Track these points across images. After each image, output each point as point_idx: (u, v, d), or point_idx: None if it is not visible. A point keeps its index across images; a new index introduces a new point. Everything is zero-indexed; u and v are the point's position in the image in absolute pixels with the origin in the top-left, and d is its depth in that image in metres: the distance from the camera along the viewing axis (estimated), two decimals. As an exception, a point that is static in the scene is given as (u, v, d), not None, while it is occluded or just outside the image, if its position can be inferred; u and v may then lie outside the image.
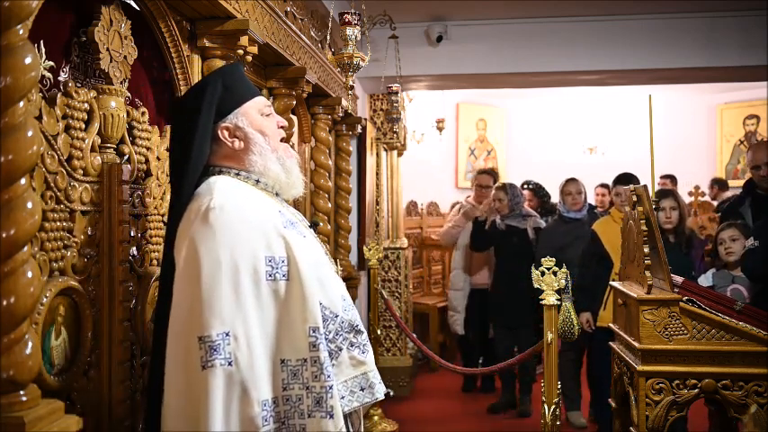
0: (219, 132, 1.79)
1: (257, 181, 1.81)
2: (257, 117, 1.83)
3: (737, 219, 3.79)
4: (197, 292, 1.58)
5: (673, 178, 7.31)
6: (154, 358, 1.77)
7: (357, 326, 1.76)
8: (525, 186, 6.18)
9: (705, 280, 3.51)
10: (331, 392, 1.63)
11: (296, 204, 3.65)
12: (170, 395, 1.61)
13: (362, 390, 1.75)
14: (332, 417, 1.63)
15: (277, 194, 1.86)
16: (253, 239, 1.64)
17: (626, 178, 4.42)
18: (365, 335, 1.79)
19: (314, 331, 1.64)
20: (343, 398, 1.70)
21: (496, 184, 5.31)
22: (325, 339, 1.68)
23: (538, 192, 6.09)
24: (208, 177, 1.78)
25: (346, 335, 1.74)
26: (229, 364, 1.54)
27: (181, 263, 1.65)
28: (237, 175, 1.80)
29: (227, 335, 1.55)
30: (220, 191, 1.70)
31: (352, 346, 1.75)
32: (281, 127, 1.91)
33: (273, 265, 1.65)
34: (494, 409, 5.06)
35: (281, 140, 1.89)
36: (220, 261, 1.59)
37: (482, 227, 5.14)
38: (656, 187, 3.33)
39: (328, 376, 1.63)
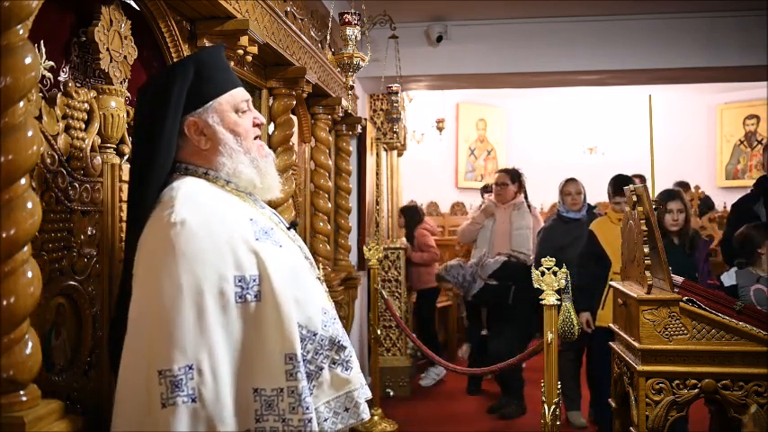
0: (186, 128, 1.63)
1: (227, 182, 1.65)
2: (230, 114, 1.65)
3: (749, 216, 3.77)
4: (156, 322, 1.43)
5: (642, 178, 7.31)
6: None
7: (339, 341, 1.63)
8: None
9: (728, 278, 3.47)
10: (310, 425, 1.50)
11: (296, 206, 3.66)
12: None
13: (347, 410, 1.64)
14: None
15: (250, 194, 1.70)
16: (220, 258, 1.48)
17: (623, 180, 4.40)
18: (349, 350, 1.66)
19: (290, 359, 1.50)
20: (326, 420, 1.60)
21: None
22: (304, 361, 1.54)
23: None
24: (174, 176, 1.63)
25: (327, 352, 1.61)
26: (193, 400, 1.40)
27: (138, 286, 1.49)
28: (206, 174, 1.64)
29: (189, 368, 1.40)
30: (183, 201, 1.52)
31: (334, 363, 1.63)
32: (258, 125, 1.73)
33: (244, 286, 1.49)
34: (494, 409, 5.05)
35: (255, 138, 1.72)
36: (182, 286, 1.43)
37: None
38: (656, 188, 3.31)
39: (307, 408, 1.49)
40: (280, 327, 1.50)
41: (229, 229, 1.53)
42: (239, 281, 1.49)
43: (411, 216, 6.29)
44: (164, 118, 1.59)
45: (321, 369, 1.60)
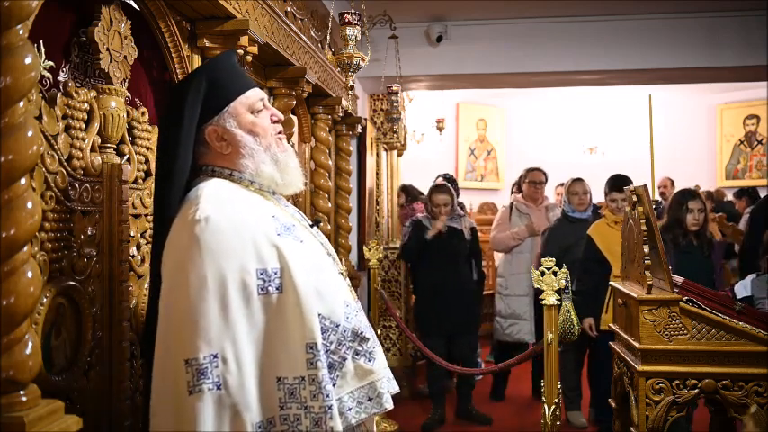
0: (207, 136, 1.69)
1: (251, 182, 1.72)
2: (246, 116, 1.71)
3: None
4: (183, 313, 1.49)
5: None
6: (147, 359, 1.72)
7: (362, 333, 1.67)
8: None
9: (743, 289, 3.27)
10: (330, 413, 1.54)
11: (296, 205, 3.65)
12: (158, 421, 1.51)
13: (370, 400, 1.67)
14: None
15: (274, 193, 1.77)
16: (242, 252, 1.54)
17: (621, 183, 4.34)
18: (372, 341, 1.70)
19: (311, 348, 1.55)
20: (349, 409, 1.63)
21: (439, 186, 4.87)
22: (326, 351, 1.59)
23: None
24: (200, 178, 1.69)
25: (350, 343, 1.65)
26: (218, 387, 1.46)
27: (166, 281, 1.56)
28: (230, 175, 1.71)
29: (214, 357, 1.46)
30: (207, 199, 1.59)
31: (357, 354, 1.66)
32: (276, 121, 1.78)
33: (266, 278, 1.55)
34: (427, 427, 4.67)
35: (279, 133, 1.78)
36: (206, 278, 1.49)
37: (423, 236, 4.66)
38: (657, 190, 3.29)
39: (327, 396, 1.54)
40: (300, 317, 1.56)
41: (251, 225, 1.59)
42: (261, 273, 1.55)
43: (409, 193, 6.17)
44: (177, 133, 1.66)
45: (344, 360, 1.64)
